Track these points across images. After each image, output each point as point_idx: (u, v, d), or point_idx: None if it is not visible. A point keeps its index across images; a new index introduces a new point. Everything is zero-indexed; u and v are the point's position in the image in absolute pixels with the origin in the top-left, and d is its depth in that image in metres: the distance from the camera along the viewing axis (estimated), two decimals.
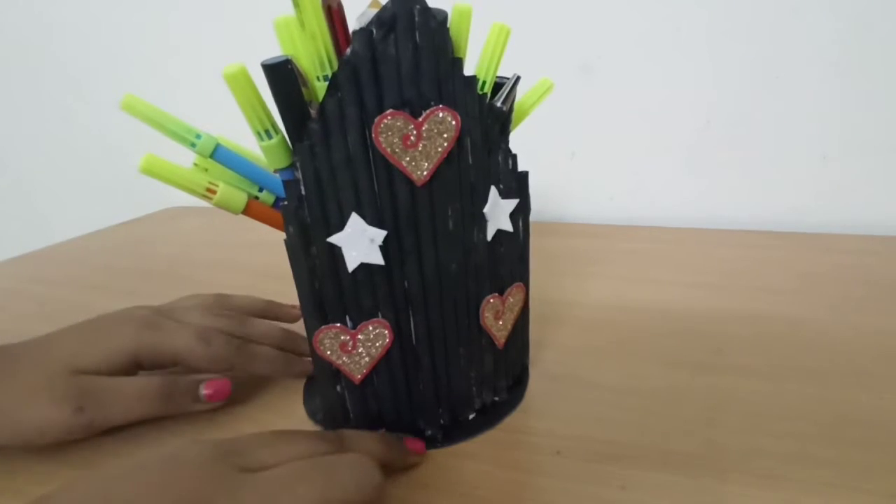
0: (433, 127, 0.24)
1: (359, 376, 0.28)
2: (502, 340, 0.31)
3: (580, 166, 0.63)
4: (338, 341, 0.27)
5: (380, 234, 0.25)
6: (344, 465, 0.23)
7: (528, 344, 0.35)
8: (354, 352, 0.28)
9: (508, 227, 0.29)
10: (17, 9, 0.87)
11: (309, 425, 0.32)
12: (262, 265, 0.41)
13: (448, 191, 0.26)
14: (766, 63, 0.54)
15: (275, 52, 0.25)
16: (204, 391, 0.33)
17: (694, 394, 0.32)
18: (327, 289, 0.27)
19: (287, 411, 0.33)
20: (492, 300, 0.29)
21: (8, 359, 0.31)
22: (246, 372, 0.34)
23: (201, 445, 0.22)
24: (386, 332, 0.27)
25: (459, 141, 0.25)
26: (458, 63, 0.25)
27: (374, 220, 0.25)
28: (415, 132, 0.24)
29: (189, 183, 0.26)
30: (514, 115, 0.30)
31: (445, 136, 0.24)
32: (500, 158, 0.28)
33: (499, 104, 0.28)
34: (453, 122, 0.24)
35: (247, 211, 0.27)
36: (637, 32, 0.57)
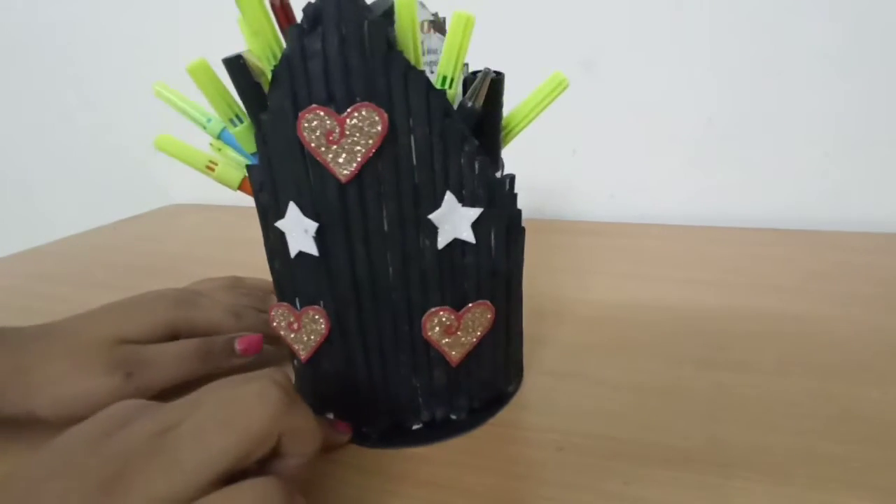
0: (358, 124, 0.23)
1: (304, 355, 0.30)
2: (456, 358, 0.29)
3: (581, 163, 0.63)
4: (286, 319, 0.29)
5: (312, 226, 0.26)
6: (246, 394, 0.23)
7: (509, 369, 0.32)
8: (300, 332, 0.29)
9: (470, 237, 0.27)
10: (18, 8, 0.86)
11: None
12: (263, 263, 0.41)
13: (380, 190, 0.25)
14: (768, 60, 0.54)
15: None
16: (238, 346, 0.34)
17: (697, 390, 0.32)
18: (280, 270, 0.29)
19: None
20: (441, 313, 0.27)
21: (40, 336, 0.32)
22: (274, 344, 0.36)
23: (127, 402, 0.23)
24: (322, 321, 0.28)
25: (397, 139, 0.24)
26: (394, 58, 0.23)
27: (308, 212, 0.26)
28: (338, 128, 0.24)
29: (193, 159, 0.29)
30: (517, 115, 0.29)
31: (371, 133, 0.24)
32: (462, 161, 0.26)
33: (469, 103, 0.26)
34: (379, 120, 0.23)
35: (242, 187, 0.29)
36: (639, 29, 0.57)
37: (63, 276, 0.58)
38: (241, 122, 0.27)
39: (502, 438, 0.30)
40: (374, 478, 0.27)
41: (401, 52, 0.23)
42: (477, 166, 0.26)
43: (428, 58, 0.28)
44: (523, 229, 0.30)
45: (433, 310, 0.27)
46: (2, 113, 0.95)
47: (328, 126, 0.23)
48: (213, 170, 0.28)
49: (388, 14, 0.23)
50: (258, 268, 0.44)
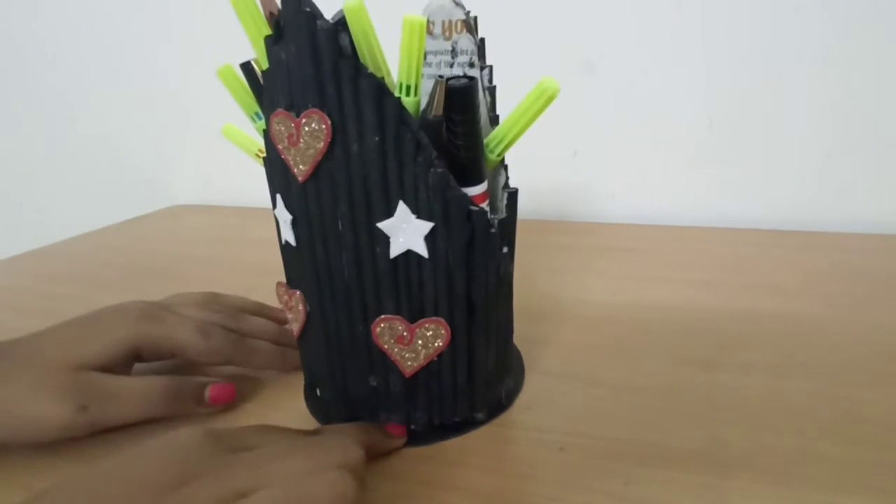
0: (310, 129, 0.25)
1: (295, 332, 0.32)
2: (409, 370, 0.28)
3: (582, 165, 0.63)
4: (283, 297, 0.32)
5: (288, 217, 0.28)
6: (329, 439, 0.25)
7: (476, 397, 0.30)
8: (292, 310, 0.31)
9: (422, 251, 0.26)
10: (18, 8, 0.87)
11: (312, 422, 0.32)
12: (264, 263, 0.41)
13: (331, 193, 0.26)
14: (769, 61, 0.54)
15: None
16: (209, 395, 0.32)
17: (697, 391, 0.32)
18: (282, 253, 0.31)
19: (287, 408, 0.34)
20: (394, 322, 0.27)
21: (9, 356, 0.30)
22: (243, 366, 0.35)
23: (192, 429, 0.23)
24: (301, 307, 0.30)
25: (347, 145, 0.25)
26: (344, 65, 0.23)
27: (287, 205, 0.28)
28: (295, 132, 0.25)
29: (248, 146, 0.32)
30: (506, 126, 0.27)
31: (320, 138, 0.25)
32: (415, 172, 0.25)
33: (431, 114, 0.25)
34: (323, 126, 0.24)
35: None
36: (640, 31, 0.57)
37: (67, 277, 0.58)
38: (261, 118, 0.30)
39: (503, 438, 0.30)
40: (372, 475, 0.27)
41: (353, 59, 0.24)
42: (430, 178, 0.25)
43: (460, 59, 0.28)
44: (506, 255, 0.28)
45: (384, 316, 0.27)
46: (6, 115, 0.95)
47: (289, 129, 0.25)
48: (260, 157, 0.31)
49: (332, 25, 0.24)
50: (259, 268, 0.45)
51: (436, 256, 0.26)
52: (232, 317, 0.37)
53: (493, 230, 0.27)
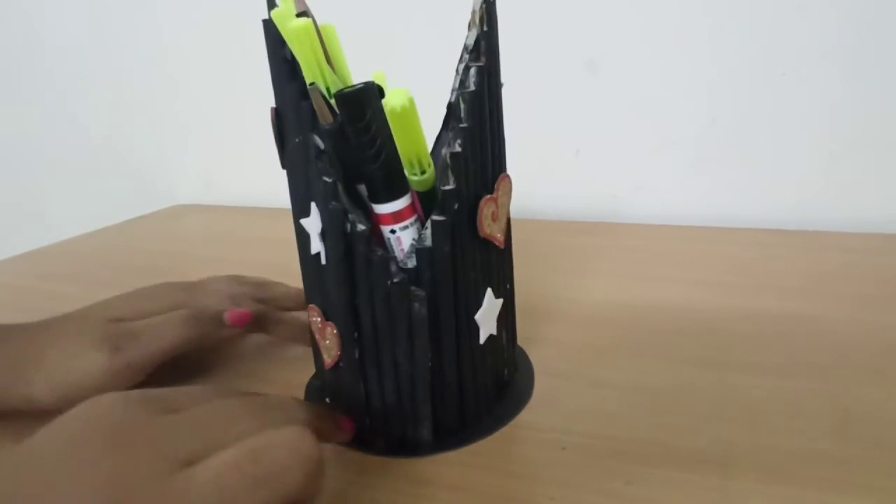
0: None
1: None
2: (328, 361, 0.29)
3: (585, 163, 0.63)
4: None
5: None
6: (271, 399, 0.24)
7: (410, 417, 0.28)
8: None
9: (322, 254, 0.27)
10: (21, 11, 0.87)
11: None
12: (266, 263, 0.41)
13: (291, 184, 0.29)
14: (772, 60, 0.54)
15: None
16: (227, 316, 0.34)
17: (700, 391, 0.32)
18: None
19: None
20: (313, 312, 0.30)
21: (49, 328, 0.33)
22: (271, 335, 0.37)
23: (112, 394, 0.21)
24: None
25: (291, 141, 0.27)
26: (282, 67, 0.26)
27: None
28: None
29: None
30: (400, 148, 0.25)
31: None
32: (315, 177, 0.26)
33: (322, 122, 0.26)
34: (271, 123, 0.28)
35: None
36: (642, 30, 0.57)
37: (69, 277, 0.58)
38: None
39: (505, 438, 0.30)
40: (375, 477, 0.27)
41: (291, 63, 0.26)
42: (321, 185, 0.26)
43: (465, 56, 0.27)
44: (403, 288, 0.26)
45: (311, 306, 0.30)
46: (8, 115, 0.95)
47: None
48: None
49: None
50: (261, 268, 0.45)
51: (328, 264, 0.27)
52: (259, 288, 0.40)
53: (376, 254, 0.26)
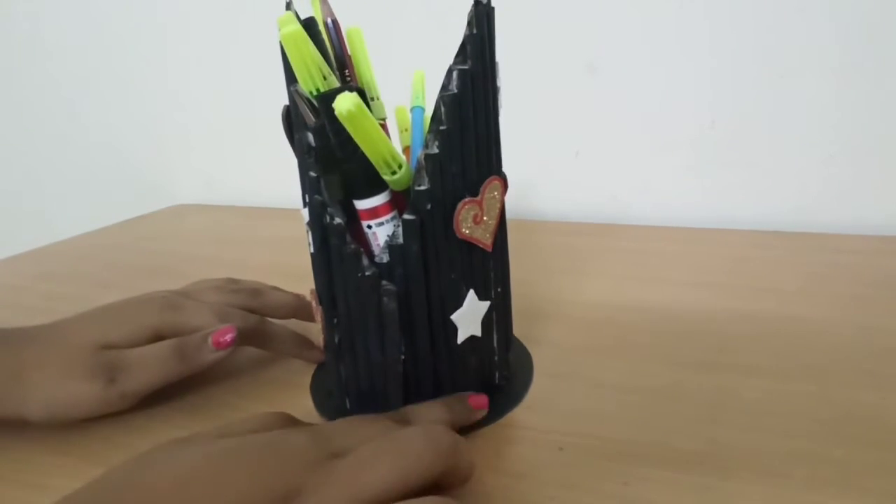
0: None
1: None
2: (320, 342, 0.33)
3: (584, 165, 0.63)
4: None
5: None
6: (416, 435, 0.24)
7: (382, 406, 0.29)
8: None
9: (310, 240, 0.30)
10: (22, 9, 0.87)
11: (316, 417, 0.32)
12: (267, 263, 0.41)
13: (300, 177, 0.30)
14: (771, 62, 0.54)
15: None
16: (211, 341, 0.33)
17: (697, 392, 0.32)
18: None
19: (290, 404, 0.34)
20: (313, 297, 0.32)
21: (32, 340, 0.32)
22: (262, 348, 0.37)
23: (299, 431, 0.24)
24: None
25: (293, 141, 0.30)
26: (288, 67, 0.27)
27: None
28: None
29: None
30: (367, 152, 0.26)
31: None
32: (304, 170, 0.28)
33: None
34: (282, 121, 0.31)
35: None
36: (642, 32, 0.57)
37: (69, 276, 0.58)
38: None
39: (503, 438, 0.30)
40: None
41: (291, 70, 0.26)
42: (307, 179, 0.27)
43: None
44: (373, 283, 0.27)
45: (311, 289, 0.32)
46: (9, 114, 0.95)
47: None
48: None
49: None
50: (261, 267, 0.45)
51: (313, 252, 0.29)
52: (251, 296, 0.39)
53: (349, 247, 0.27)
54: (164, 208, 0.84)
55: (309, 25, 0.29)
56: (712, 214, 0.59)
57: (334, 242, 0.27)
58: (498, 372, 0.32)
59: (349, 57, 0.29)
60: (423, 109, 0.31)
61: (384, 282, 0.27)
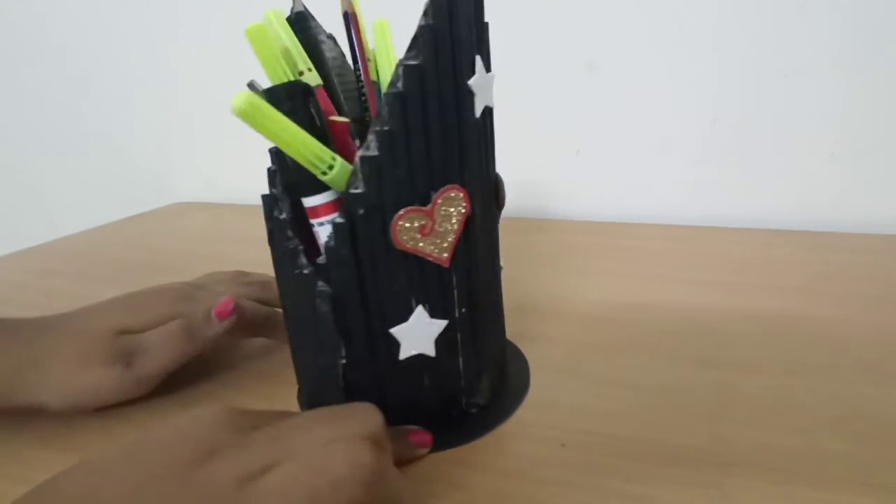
0: None
1: None
2: None
3: (585, 163, 0.63)
4: None
5: None
6: (348, 409, 0.25)
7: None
8: None
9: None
10: (22, 7, 0.87)
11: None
12: (267, 261, 0.41)
13: None
14: (773, 61, 0.54)
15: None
16: (214, 313, 0.34)
17: (699, 389, 0.32)
18: None
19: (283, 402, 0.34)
20: None
21: (49, 329, 0.33)
22: (273, 339, 0.37)
23: (214, 407, 0.24)
24: None
25: None
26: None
27: None
28: None
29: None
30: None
31: None
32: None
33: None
34: None
35: None
36: (643, 30, 0.57)
37: (70, 273, 0.58)
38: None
39: (505, 435, 0.30)
40: None
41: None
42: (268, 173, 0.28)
43: None
44: (308, 284, 0.26)
45: None
46: (10, 112, 0.95)
47: None
48: None
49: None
50: (262, 265, 0.45)
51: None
52: (261, 288, 0.39)
53: (289, 244, 0.27)
54: (165, 206, 0.84)
55: (298, 20, 0.29)
56: (714, 213, 0.59)
57: (277, 237, 0.27)
58: (465, 398, 0.30)
59: (362, 50, 0.28)
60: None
61: (319, 283, 0.26)
